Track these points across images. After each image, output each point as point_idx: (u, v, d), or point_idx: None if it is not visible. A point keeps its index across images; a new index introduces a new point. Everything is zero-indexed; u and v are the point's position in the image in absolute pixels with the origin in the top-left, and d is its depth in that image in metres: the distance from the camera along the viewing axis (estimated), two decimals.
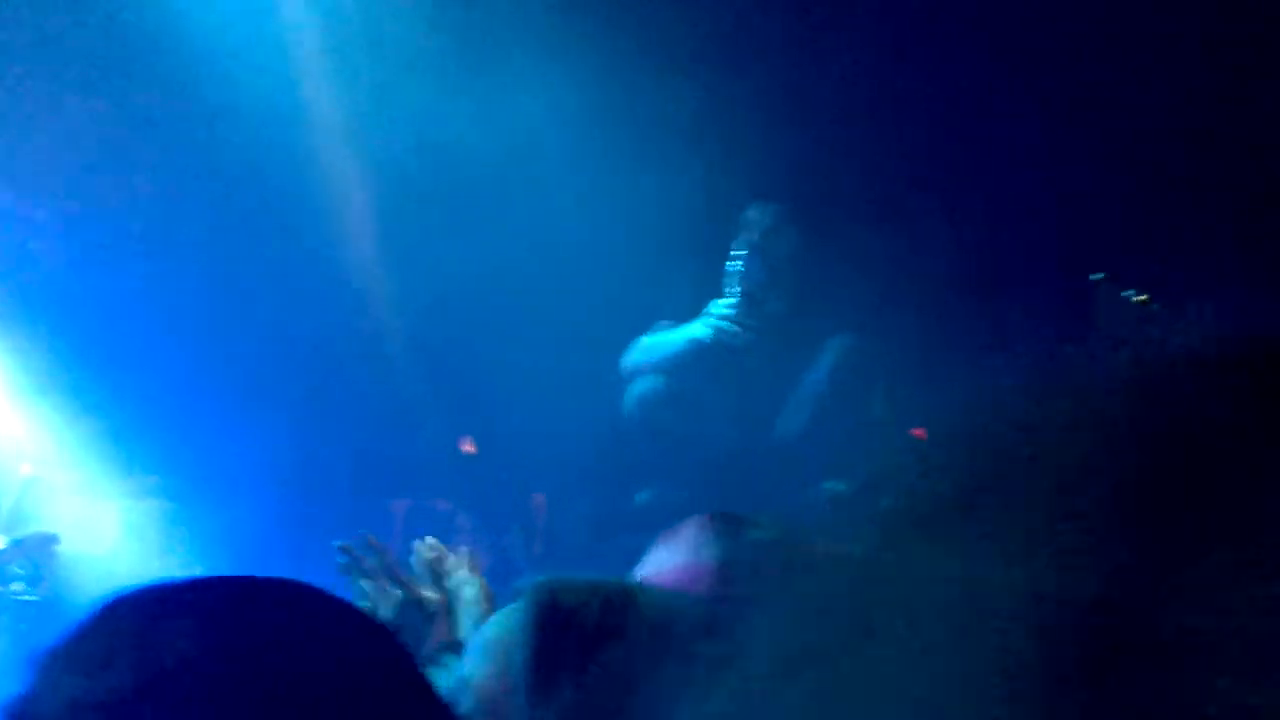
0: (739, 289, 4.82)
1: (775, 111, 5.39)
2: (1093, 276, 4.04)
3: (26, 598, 4.99)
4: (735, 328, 4.80)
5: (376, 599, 2.50)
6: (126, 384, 5.73)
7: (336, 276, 5.90)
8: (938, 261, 5.18)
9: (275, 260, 5.85)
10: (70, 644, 0.98)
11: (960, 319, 4.67)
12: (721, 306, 4.86)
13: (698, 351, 4.83)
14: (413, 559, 2.57)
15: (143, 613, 0.97)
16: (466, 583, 2.53)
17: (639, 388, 4.96)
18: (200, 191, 5.75)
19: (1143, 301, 4.12)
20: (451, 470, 6.18)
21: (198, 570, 5.42)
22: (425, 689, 1.04)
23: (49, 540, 5.12)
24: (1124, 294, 4.04)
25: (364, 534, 2.62)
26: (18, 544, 5.06)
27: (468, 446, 6.34)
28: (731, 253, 4.94)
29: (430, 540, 2.62)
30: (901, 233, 5.25)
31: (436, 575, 2.52)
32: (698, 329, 4.91)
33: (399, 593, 2.50)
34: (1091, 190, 5.15)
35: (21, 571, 5.02)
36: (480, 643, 1.74)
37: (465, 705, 1.69)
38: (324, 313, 5.95)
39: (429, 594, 2.49)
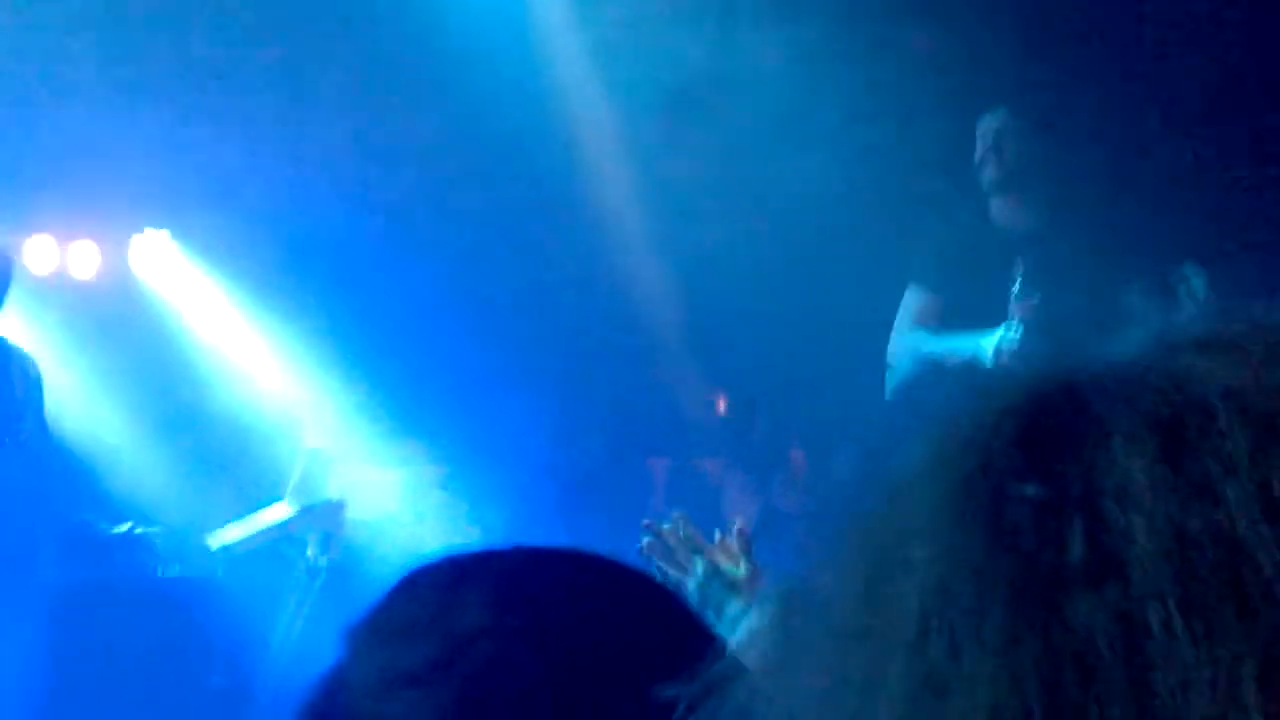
0: (1021, 319, 4.59)
1: (1026, 47, 5.25)
2: None
3: (319, 563, 5.26)
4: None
5: (680, 572, 2.53)
6: (400, 356, 5.97)
7: (594, 238, 6.00)
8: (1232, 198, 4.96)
9: (534, 228, 5.99)
10: (375, 617, 1.04)
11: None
12: (1011, 338, 4.62)
13: (973, 375, 4.62)
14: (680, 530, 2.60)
15: (441, 585, 1.03)
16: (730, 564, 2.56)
17: (903, 385, 4.81)
18: (467, 171, 5.90)
19: None
20: (713, 428, 6.24)
21: (474, 532, 5.63)
22: (719, 652, 1.06)
23: (337, 507, 5.38)
24: None
25: (673, 513, 2.66)
26: (308, 511, 5.33)
27: (721, 404, 6.39)
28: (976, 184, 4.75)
29: (678, 514, 2.64)
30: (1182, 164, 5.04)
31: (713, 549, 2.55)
32: (983, 350, 4.69)
33: (701, 565, 2.54)
34: None
35: (313, 537, 5.29)
36: (769, 595, 1.77)
37: (751, 659, 1.73)
38: (582, 275, 6.06)
39: (730, 565, 2.52)
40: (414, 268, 5.98)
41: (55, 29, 5.34)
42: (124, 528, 5.23)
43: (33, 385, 4.69)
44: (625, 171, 5.90)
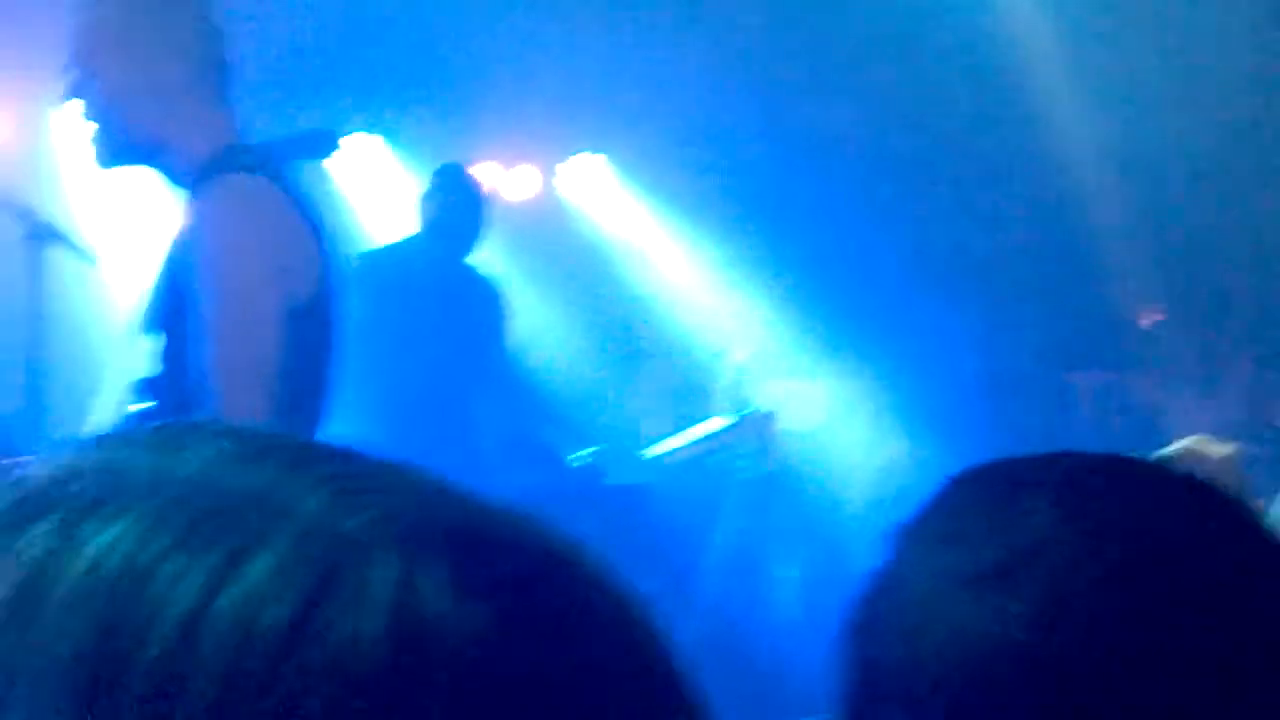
0: None
1: None
2: None
3: (752, 473, 5.38)
4: None
5: None
6: (825, 269, 6.00)
7: (1025, 144, 5.84)
8: None
9: (960, 136, 5.87)
10: (926, 520, 1.04)
11: None
12: None
13: None
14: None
15: (998, 490, 1.01)
16: None
17: None
18: (889, 82, 5.82)
19: None
20: (1151, 340, 5.99)
21: (903, 445, 5.61)
22: None
23: (768, 418, 5.47)
24: None
25: None
26: (740, 423, 5.45)
27: (1150, 315, 6.11)
28: None
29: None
30: None
31: None
32: None
33: None
34: None
35: (746, 448, 5.40)
36: None
37: None
38: (1012, 182, 5.92)
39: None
40: (838, 181, 5.97)
41: None
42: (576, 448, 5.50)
43: (499, 311, 4.88)
44: (1059, 68, 5.68)
